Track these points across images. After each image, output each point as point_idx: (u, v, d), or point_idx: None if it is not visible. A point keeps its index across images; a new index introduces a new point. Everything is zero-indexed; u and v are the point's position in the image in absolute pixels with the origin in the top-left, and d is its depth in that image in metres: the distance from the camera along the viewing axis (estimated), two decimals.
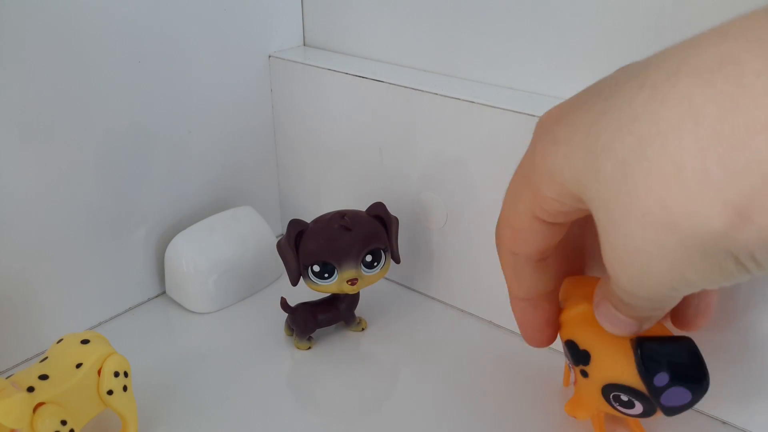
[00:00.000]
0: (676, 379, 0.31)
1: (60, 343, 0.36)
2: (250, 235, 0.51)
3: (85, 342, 0.35)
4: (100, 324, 0.48)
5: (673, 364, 0.31)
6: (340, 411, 0.41)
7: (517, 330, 0.46)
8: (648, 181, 0.22)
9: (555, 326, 0.35)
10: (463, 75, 0.47)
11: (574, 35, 0.41)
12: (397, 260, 0.45)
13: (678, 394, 0.31)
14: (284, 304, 0.45)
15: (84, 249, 0.45)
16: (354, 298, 0.46)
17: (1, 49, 0.38)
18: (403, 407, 0.41)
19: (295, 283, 0.43)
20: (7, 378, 0.33)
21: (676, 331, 0.34)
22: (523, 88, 0.45)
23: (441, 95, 0.44)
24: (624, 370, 0.32)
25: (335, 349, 0.46)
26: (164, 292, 0.51)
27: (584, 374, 0.34)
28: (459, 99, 0.43)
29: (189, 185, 0.51)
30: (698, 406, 0.36)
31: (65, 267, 0.45)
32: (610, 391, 0.33)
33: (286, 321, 0.46)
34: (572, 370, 0.36)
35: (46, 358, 0.35)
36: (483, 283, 0.47)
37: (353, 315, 0.46)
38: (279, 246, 0.44)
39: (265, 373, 0.44)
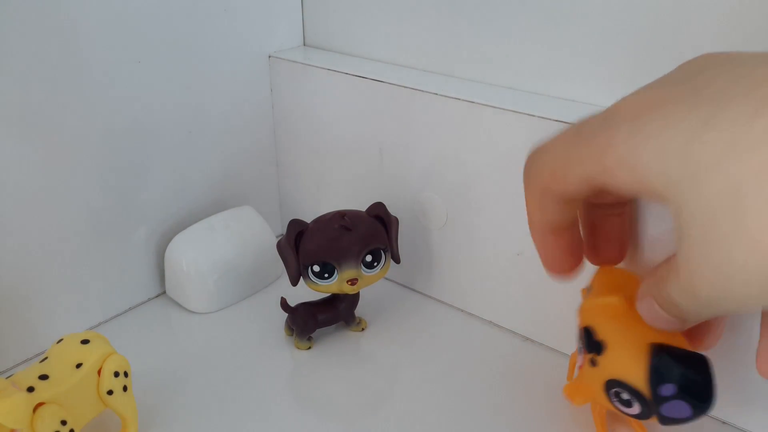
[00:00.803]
0: (682, 393, 0.31)
1: (60, 343, 0.36)
2: (250, 235, 0.51)
3: (85, 342, 0.35)
4: (100, 324, 0.48)
5: (683, 378, 0.31)
6: (340, 411, 0.41)
7: (518, 330, 0.47)
8: (764, 214, 0.22)
9: (577, 256, 0.34)
10: (462, 75, 0.47)
11: (574, 35, 0.41)
12: (397, 260, 0.45)
13: (679, 407, 0.31)
14: (284, 304, 0.45)
15: (84, 249, 0.45)
16: (354, 299, 0.46)
17: (2, 49, 0.38)
18: (404, 407, 0.41)
19: (295, 283, 0.43)
20: (7, 378, 0.33)
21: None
22: (523, 87, 0.45)
23: (441, 95, 0.44)
24: (633, 370, 0.32)
25: (335, 349, 0.46)
26: (164, 292, 0.51)
27: (593, 363, 0.34)
28: (459, 99, 0.43)
29: (189, 185, 0.51)
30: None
31: (65, 267, 0.45)
32: (613, 386, 0.33)
33: (286, 321, 0.46)
34: (581, 355, 0.36)
35: (46, 358, 0.35)
36: (483, 283, 0.47)
37: (353, 315, 0.46)
38: (279, 246, 0.44)
39: (266, 373, 0.44)
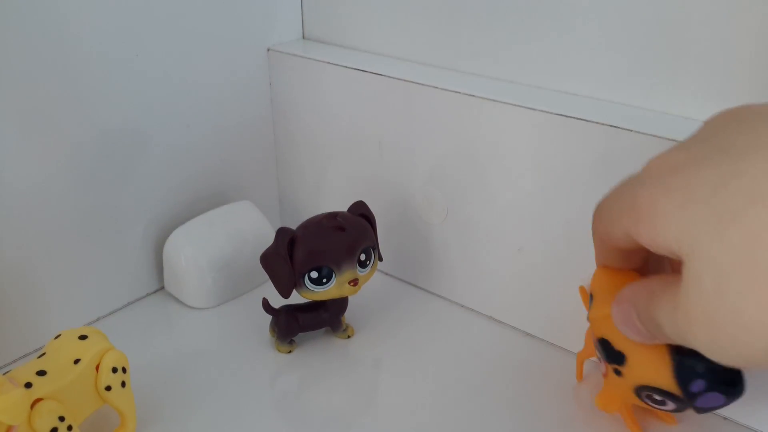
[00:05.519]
0: (712, 385, 0.31)
1: (58, 339, 0.35)
2: (248, 230, 0.50)
3: (83, 338, 0.35)
4: (98, 319, 0.48)
5: (710, 371, 0.31)
6: (338, 407, 0.41)
7: (518, 325, 0.47)
8: None
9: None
10: (463, 68, 0.47)
11: (575, 28, 0.41)
12: (380, 258, 0.44)
13: (713, 398, 0.32)
14: (266, 305, 0.44)
15: (82, 244, 0.45)
16: (342, 304, 0.44)
17: (1, 45, 0.38)
18: (402, 404, 0.41)
19: (287, 294, 0.41)
20: (4, 374, 0.32)
21: None
22: (523, 81, 0.44)
23: (441, 88, 0.44)
24: (660, 374, 0.32)
25: (333, 345, 0.46)
26: (163, 288, 0.51)
27: (618, 373, 0.34)
28: (459, 92, 0.43)
29: (187, 180, 0.50)
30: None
31: (63, 262, 0.44)
32: (644, 390, 0.34)
33: (271, 322, 0.45)
34: (602, 364, 0.36)
35: (44, 353, 0.35)
36: (483, 278, 0.47)
37: (340, 321, 0.45)
38: (266, 258, 0.41)
39: (265, 369, 0.44)
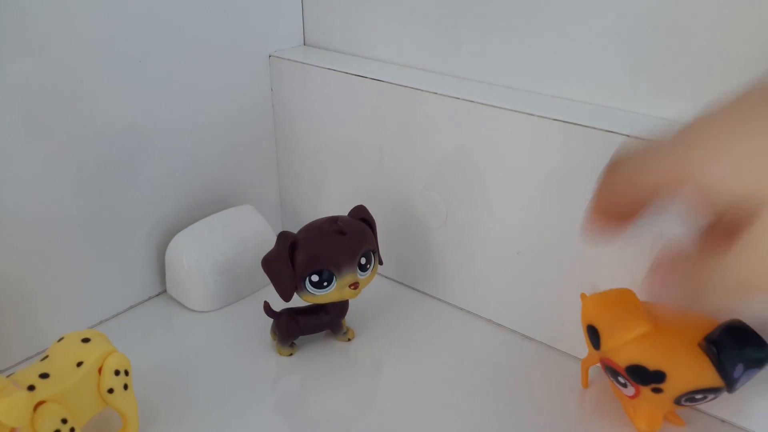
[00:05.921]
0: (749, 363, 0.33)
1: (61, 342, 0.36)
2: (250, 234, 0.51)
3: (85, 340, 0.36)
4: (101, 322, 0.48)
5: (743, 354, 0.32)
6: (338, 409, 0.41)
7: (517, 328, 0.47)
8: None
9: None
10: (462, 74, 0.47)
11: (574, 35, 0.41)
12: (380, 261, 0.44)
13: (750, 374, 0.33)
14: (267, 308, 0.44)
15: (85, 248, 0.45)
16: (343, 307, 0.45)
17: (4, 48, 0.38)
18: (402, 406, 0.41)
19: (289, 298, 0.42)
20: (7, 376, 0.33)
21: None
22: (521, 87, 0.45)
23: (441, 95, 0.44)
24: (704, 376, 0.33)
25: (334, 348, 0.46)
26: (165, 291, 0.51)
27: (657, 391, 0.34)
28: (458, 98, 0.43)
29: (190, 184, 0.51)
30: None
31: (67, 266, 0.45)
32: (685, 396, 0.34)
33: (272, 325, 0.45)
34: (630, 388, 0.36)
35: (47, 356, 0.35)
36: (482, 281, 0.47)
37: (341, 324, 0.45)
38: (267, 261, 0.42)
39: (266, 371, 0.44)
